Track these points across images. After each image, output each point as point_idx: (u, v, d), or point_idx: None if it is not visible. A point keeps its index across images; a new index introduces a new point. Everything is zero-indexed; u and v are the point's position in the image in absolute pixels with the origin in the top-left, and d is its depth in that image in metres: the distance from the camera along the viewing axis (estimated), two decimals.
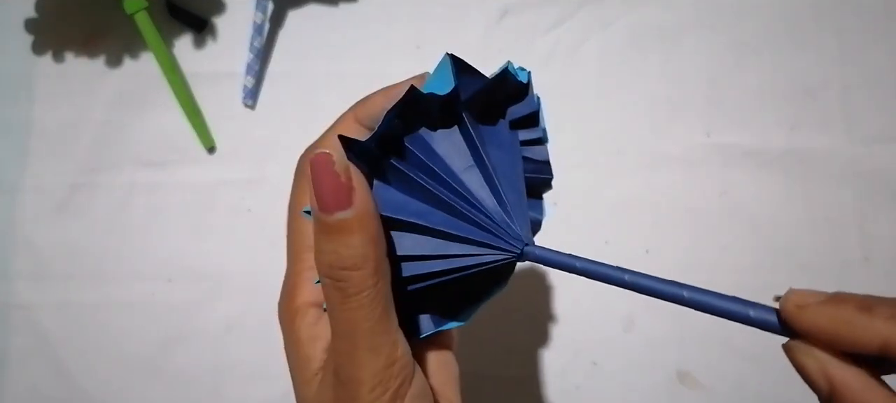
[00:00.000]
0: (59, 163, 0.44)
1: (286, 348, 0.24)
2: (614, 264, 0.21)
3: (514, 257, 0.22)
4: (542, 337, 0.42)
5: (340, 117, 0.25)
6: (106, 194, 0.44)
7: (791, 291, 0.19)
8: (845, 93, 0.44)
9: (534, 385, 0.41)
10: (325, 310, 0.24)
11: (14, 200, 0.44)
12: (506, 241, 0.22)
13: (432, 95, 0.21)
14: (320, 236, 0.20)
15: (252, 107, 0.45)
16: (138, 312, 0.42)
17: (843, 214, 0.43)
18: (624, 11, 0.45)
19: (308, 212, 0.21)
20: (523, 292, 0.42)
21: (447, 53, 0.22)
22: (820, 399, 0.20)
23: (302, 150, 0.27)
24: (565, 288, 0.42)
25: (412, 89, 0.20)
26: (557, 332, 0.42)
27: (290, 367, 0.24)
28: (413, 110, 0.21)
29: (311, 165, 0.20)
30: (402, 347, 0.21)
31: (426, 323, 0.24)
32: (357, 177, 0.20)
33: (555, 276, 0.42)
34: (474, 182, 0.22)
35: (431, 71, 0.23)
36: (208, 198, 0.44)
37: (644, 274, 0.21)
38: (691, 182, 0.43)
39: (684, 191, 0.43)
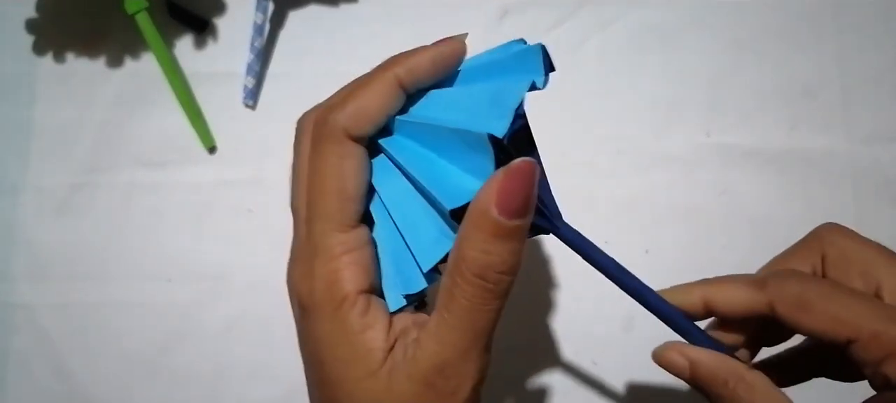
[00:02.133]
0: (59, 163, 0.44)
1: (326, 340, 0.23)
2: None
3: (550, 230, 0.24)
4: (541, 337, 0.42)
5: (378, 76, 0.24)
6: (106, 194, 0.44)
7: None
8: (845, 93, 0.44)
9: (533, 385, 0.41)
10: (370, 294, 0.23)
11: (15, 200, 0.44)
12: (546, 219, 0.24)
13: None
14: (487, 236, 0.20)
15: (253, 107, 0.45)
16: (138, 312, 0.42)
17: (842, 214, 0.43)
18: (624, 11, 0.45)
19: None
20: (523, 291, 0.42)
21: (540, 44, 0.23)
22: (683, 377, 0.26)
23: None
24: (565, 287, 0.42)
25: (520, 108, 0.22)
26: (557, 332, 0.42)
27: (331, 363, 0.22)
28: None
29: (513, 170, 0.20)
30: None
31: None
32: (536, 192, 0.21)
33: (555, 275, 0.42)
34: None
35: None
36: (209, 198, 0.44)
37: (654, 293, 0.26)
38: (691, 182, 0.43)
39: (684, 191, 0.43)
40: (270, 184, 0.44)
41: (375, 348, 0.22)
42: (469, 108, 0.23)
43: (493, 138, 0.21)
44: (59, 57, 0.45)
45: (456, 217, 0.22)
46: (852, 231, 0.27)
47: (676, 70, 0.45)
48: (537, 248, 0.42)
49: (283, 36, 0.46)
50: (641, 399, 0.41)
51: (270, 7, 0.44)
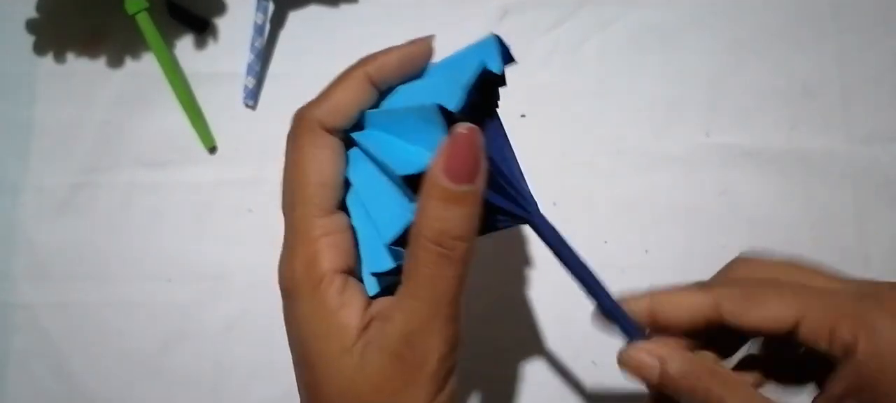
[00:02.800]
0: (60, 163, 0.44)
1: (306, 319, 0.23)
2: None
3: (523, 217, 0.25)
4: (541, 337, 0.42)
5: (350, 74, 0.25)
6: (107, 194, 0.44)
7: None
8: (845, 93, 0.44)
9: (533, 385, 0.41)
10: (348, 275, 0.24)
11: (15, 200, 0.44)
12: (519, 205, 0.25)
13: (492, 74, 0.24)
14: (438, 203, 0.21)
15: (253, 107, 0.45)
16: (139, 312, 0.42)
17: (842, 214, 0.43)
18: (624, 11, 0.45)
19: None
20: (523, 291, 0.42)
21: (493, 34, 0.25)
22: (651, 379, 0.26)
23: None
24: (565, 287, 0.42)
25: (486, 70, 0.23)
26: (557, 332, 0.42)
27: (311, 340, 0.23)
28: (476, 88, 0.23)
29: (455, 135, 0.21)
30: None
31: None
32: (484, 164, 0.22)
33: (554, 275, 0.42)
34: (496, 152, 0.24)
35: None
36: (209, 198, 0.44)
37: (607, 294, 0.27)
38: (691, 182, 0.43)
39: (684, 190, 0.43)
40: (270, 184, 0.44)
41: (350, 325, 0.23)
42: (426, 92, 0.24)
43: (443, 110, 0.22)
44: (59, 57, 0.45)
45: (412, 186, 0.23)
46: (758, 258, 0.28)
47: (676, 70, 0.45)
48: (537, 248, 0.42)
49: (283, 36, 0.46)
50: (641, 399, 0.41)
51: (270, 7, 0.44)
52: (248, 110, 0.45)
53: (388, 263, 0.24)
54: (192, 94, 0.44)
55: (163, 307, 0.42)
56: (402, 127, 0.24)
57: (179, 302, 0.43)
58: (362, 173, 0.25)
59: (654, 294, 0.28)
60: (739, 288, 0.27)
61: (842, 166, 0.43)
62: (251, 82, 0.44)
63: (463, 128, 0.21)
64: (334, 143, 0.25)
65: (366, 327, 0.23)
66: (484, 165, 0.22)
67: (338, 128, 0.25)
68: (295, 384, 0.27)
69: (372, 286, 0.25)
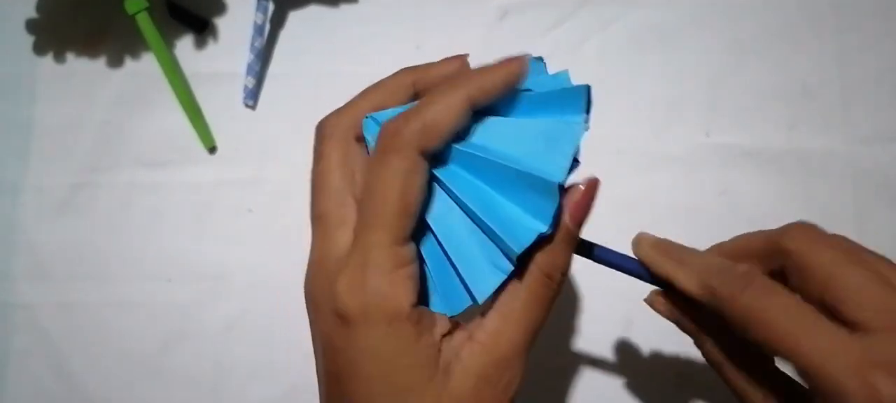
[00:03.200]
0: (60, 163, 0.44)
1: (378, 352, 0.23)
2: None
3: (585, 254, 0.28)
4: (541, 337, 0.42)
5: (449, 93, 0.23)
6: (107, 194, 0.44)
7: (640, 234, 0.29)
8: (845, 93, 0.44)
9: (533, 385, 0.41)
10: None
11: (15, 200, 0.44)
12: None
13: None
14: (564, 245, 0.24)
15: (253, 107, 0.45)
16: (138, 312, 0.42)
17: (842, 214, 0.43)
18: (624, 11, 0.45)
19: None
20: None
21: (586, 86, 0.25)
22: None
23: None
24: (565, 287, 0.42)
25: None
26: (557, 332, 0.42)
27: (391, 372, 0.23)
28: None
29: (589, 185, 0.25)
30: None
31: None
32: None
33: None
34: None
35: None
36: (209, 198, 0.44)
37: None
38: (691, 182, 0.43)
39: (684, 190, 0.43)
40: (270, 183, 0.44)
41: (432, 353, 0.23)
42: (526, 147, 0.24)
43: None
44: (59, 57, 0.45)
45: (519, 259, 0.23)
46: (822, 234, 0.25)
47: (676, 70, 0.45)
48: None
49: (283, 36, 0.46)
50: (642, 400, 0.41)
51: (270, 7, 0.44)
52: (248, 110, 0.45)
53: (464, 305, 0.25)
54: (192, 94, 0.44)
55: (163, 307, 0.42)
56: (503, 183, 0.23)
57: (179, 302, 0.43)
58: (441, 210, 0.24)
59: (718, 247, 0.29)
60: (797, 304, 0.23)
61: (842, 166, 0.43)
62: (251, 82, 0.44)
63: (592, 180, 0.24)
64: (425, 170, 0.23)
65: (440, 350, 0.23)
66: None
67: (432, 151, 0.23)
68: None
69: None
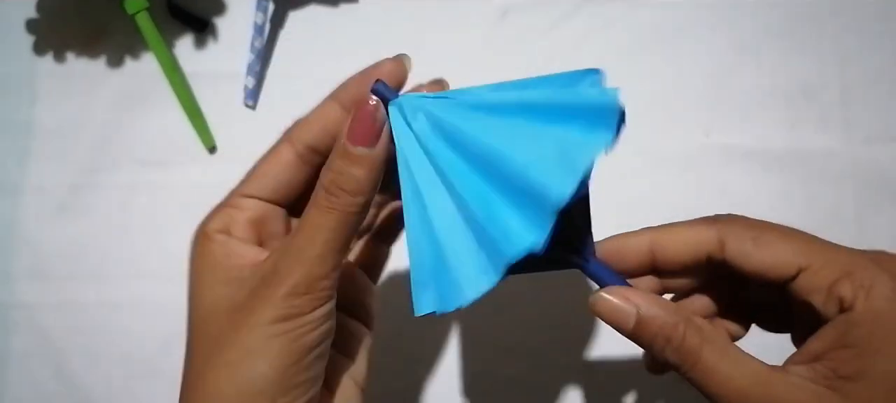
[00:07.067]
0: (59, 162, 0.44)
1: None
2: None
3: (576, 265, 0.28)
4: (541, 337, 0.42)
5: (323, 106, 0.28)
6: (107, 194, 0.44)
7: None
8: (845, 93, 0.44)
9: (533, 385, 0.41)
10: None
11: (15, 200, 0.44)
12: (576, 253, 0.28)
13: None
14: (336, 157, 0.24)
15: (253, 107, 0.45)
16: (138, 312, 0.42)
17: (842, 214, 0.43)
18: (624, 11, 0.45)
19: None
20: (523, 292, 0.42)
21: (622, 108, 0.22)
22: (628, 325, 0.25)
23: None
24: (565, 287, 0.42)
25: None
26: (557, 332, 0.42)
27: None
28: None
29: (359, 104, 0.24)
30: (334, 281, 0.24)
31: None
32: (386, 135, 0.24)
33: (554, 276, 0.42)
34: None
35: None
36: (209, 197, 0.43)
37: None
38: (691, 182, 0.43)
39: (684, 190, 0.43)
40: None
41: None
42: (536, 152, 0.22)
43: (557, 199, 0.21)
44: (59, 57, 0.45)
45: (511, 268, 0.22)
46: (751, 221, 0.27)
47: (676, 70, 0.45)
48: None
49: (283, 36, 0.46)
50: (642, 400, 0.41)
51: (270, 7, 0.44)
52: (248, 110, 0.45)
53: (456, 304, 0.23)
54: (191, 94, 0.44)
55: (163, 307, 0.42)
56: (502, 183, 0.23)
57: (179, 302, 0.42)
58: (435, 196, 0.24)
59: (654, 229, 0.28)
60: (748, 227, 0.26)
61: (842, 166, 0.43)
62: (251, 82, 0.44)
63: (366, 104, 0.24)
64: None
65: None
66: (385, 137, 0.24)
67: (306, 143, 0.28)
68: None
69: (422, 305, 0.24)
